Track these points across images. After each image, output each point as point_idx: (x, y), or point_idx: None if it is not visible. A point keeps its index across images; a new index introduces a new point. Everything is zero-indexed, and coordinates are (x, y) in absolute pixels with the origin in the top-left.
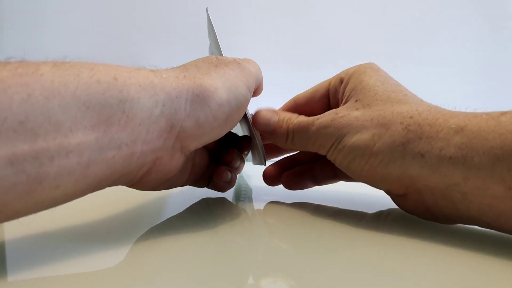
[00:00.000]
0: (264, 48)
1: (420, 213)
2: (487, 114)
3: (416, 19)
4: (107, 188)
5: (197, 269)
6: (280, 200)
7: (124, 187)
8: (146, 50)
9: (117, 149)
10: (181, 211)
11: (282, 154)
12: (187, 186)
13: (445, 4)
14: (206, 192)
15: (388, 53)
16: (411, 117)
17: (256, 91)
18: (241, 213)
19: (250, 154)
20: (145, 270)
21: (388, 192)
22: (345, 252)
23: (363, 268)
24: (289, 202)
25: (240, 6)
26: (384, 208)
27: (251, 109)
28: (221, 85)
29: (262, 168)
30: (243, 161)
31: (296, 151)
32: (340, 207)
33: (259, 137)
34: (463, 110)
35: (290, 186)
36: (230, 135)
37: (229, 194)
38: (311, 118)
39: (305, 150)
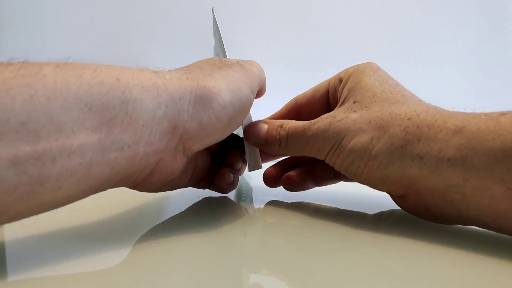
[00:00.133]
0: (267, 50)
1: (420, 213)
2: (486, 114)
3: (416, 19)
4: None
5: (198, 269)
6: (281, 200)
7: (125, 188)
8: (148, 50)
9: (119, 151)
10: (182, 211)
11: (276, 158)
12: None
13: (445, 4)
14: (207, 192)
15: (388, 53)
16: (409, 118)
17: (259, 93)
18: (242, 213)
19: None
20: (146, 270)
21: (388, 193)
22: (345, 252)
23: (363, 268)
24: (290, 202)
25: (241, 7)
26: (385, 209)
27: (253, 111)
28: (224, 87)
29: (262, 168)
30: (245, 163)
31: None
32: (340, 208)
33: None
34: (462, 110)
35: (290, 187)
36: (232, 137)
37: (230, 194)
38: (306, 123)
39: (300, 155)
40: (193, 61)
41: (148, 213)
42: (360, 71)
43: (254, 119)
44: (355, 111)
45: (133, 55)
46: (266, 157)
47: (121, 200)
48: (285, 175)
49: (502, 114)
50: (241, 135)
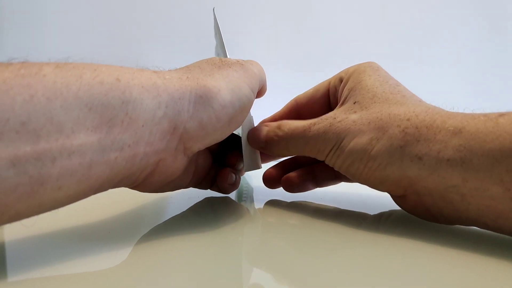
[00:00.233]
0: (267, 50)
1: (420, 214)
2: (485, 115)
3: (416, 19)
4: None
5: (199, 269)
6: (281, 200)
7: (125, 188)
8: (148, 50)
9: (119, 151)
10: (183, 211)
11: (276, 158)
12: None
13: (445, 4)
14: (207, 193)
15: (388, 53)
16: (408, 119)
17: (260, 93)
18: (243, 213)
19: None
20: (147, 270)
21: (388, 193)
22: (345, 252)
23: (363, 268)
24: (290, 201)
25: (241, 7)
26: (385, 209)
27: (254, 111)
28: (224, 86)
29: (262, 169)
30: None
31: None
32: (341, 208)
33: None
34: (461, 110)
35: (290, 188)
36: (233, 137)
37: (230, 194)
38: (306, 123)
39: (300, 155)
40: (193, 61)
41: (149, 213)
42: (360, 71)
43: (254, 119)
44: (355, 112)
45: (133, 55)
46: (266, 157)
47: (121, 200)
48: (285, 176)
49: (501, 115)
50: (241, 134)
